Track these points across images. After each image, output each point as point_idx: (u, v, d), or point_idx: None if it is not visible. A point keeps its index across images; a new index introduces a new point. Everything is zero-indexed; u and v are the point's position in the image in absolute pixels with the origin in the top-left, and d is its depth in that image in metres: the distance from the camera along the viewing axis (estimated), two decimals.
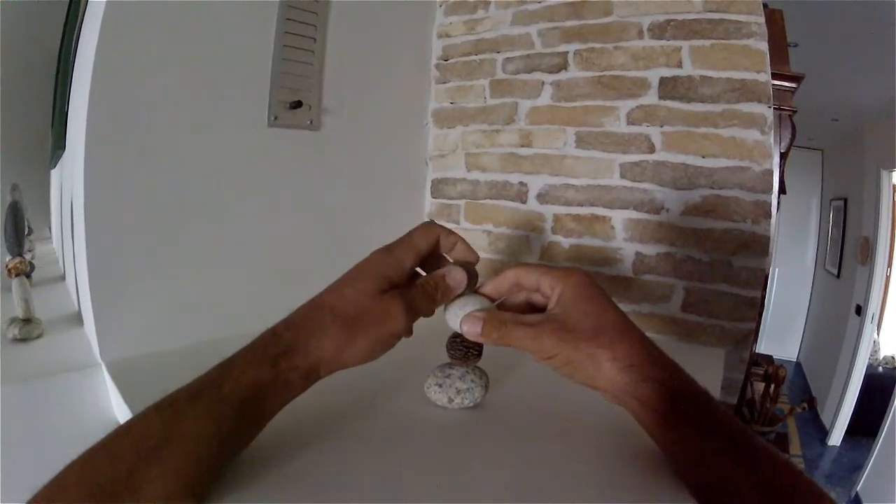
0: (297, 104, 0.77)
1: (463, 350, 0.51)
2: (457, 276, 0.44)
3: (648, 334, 0.43)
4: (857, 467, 3.16)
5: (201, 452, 0.34)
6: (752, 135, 0.82)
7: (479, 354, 0.52)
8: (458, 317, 0.44)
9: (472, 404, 0.52)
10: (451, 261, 0.47)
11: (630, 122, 0.90)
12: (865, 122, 3.90)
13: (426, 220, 1.11)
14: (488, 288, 0.46)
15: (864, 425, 3.40)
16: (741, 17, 0.82)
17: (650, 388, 0.39)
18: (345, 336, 0.39)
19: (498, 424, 0.51)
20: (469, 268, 0.46)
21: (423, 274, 0.46)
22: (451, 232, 0.46)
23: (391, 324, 0.40)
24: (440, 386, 0.52)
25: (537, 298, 0.46)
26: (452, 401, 0.51)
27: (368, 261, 0.42)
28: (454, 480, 0.41)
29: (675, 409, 0.39)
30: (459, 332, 0.44)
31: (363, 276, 0.41)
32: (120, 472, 0.31)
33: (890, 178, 3.65)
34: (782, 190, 1.21)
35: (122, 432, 0.34)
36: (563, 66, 0.95)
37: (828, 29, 2.34)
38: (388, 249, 0.43)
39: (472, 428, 0.50)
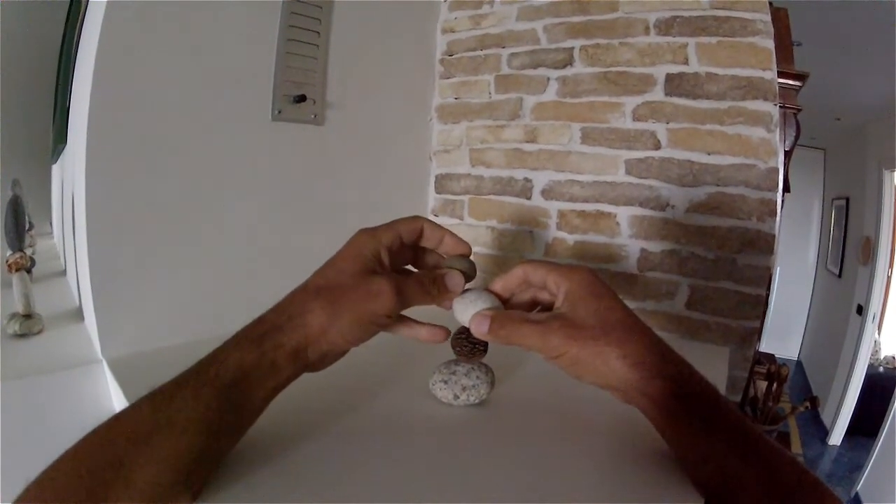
0: (301, 98, 0.77)
1: (469, 346, 0.50)
2: (456, 280, 0.44)
3: None
4: (858, 467, 3.17)
5: (191, 439, 0.33)
6: (758, 132, 0.81)
7: (485, 350, 0.51)
8: (467, 312, 0.44)
9: (477, 401, 0.52)
10: (443, 256, 0.47)
11: (636, 119, 0.89)
12: (868, 121, 3.89)
13: (430, 215, 1.11)
14: (497, 285, 0.46)
15: (865, 425, 3.40)
16: (747, 15, 0.81)
17: (660, 385, 0.39)
18: (328, 313, 0.38)
19: (503, 421, 0.51)
20: (468, 260, 0.46)
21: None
22: (437, 226, 0.46)
23: (375, 303, 0.40)
24: (445, 382, 0.51)
25: (544, 296, 0.45)
26: (458, 397, 0.51)
27: (352, 242, 0.42)
28: (458, 478, 0.41)
29: (685, 406, 0.39)
30: (468, 326, 0.44)
31: (346, 257, 0.41)
32: (110, 459, 0.31)
33: (892, 178, 3.64)
34: (786, 188, 1.20)
35: (114, 420, 0.33)
36: (569, 62, 0.94)
37: (830, 28, 2.33)
38: (371, 231, 0.43)
39: (477, 425, 0.49)
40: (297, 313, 0.38)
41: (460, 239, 0.46)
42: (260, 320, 0.39)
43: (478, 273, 0.47)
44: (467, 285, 0.46)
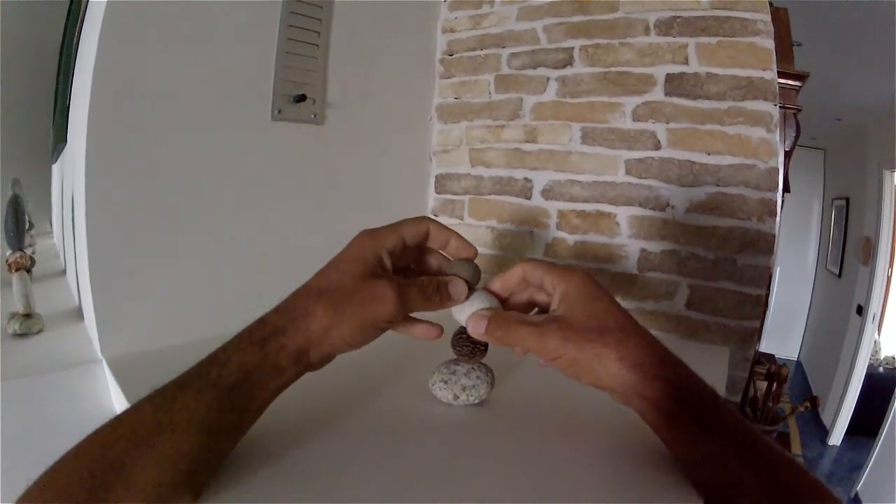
0: (301, 98, 0.77)
1: (469, 346, 0.50)
2: (459, 289, 0.44)
3: (652, 332, 0.42)
4: (857, 467, 3.17)
5: (193, 440, 0.33)
6: (758, 132, 0.81)
7: (485, 351, 0.51)
8: (465, 312, 0.44)
9: (477, 401, 0.52)
10: (449, 258, 0.46)
11: (636, 119, 0.89)
12: (868, 121, 3.89)
13: (430, 215, 1.11)
14: (496, 285, 0.46)
15: (865, 425, 3.40)
16: (747, 15, 0.81)
17: (658, 388, 0.39)
18: (330, 316, 0.38)
19: (503, 421, 0.51)
20: (473, 265, 0.45)
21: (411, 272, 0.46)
22: (444, 227, 0.45)
23: (377, 307, 0.39)
24: (445, 382, 0.51)
25: (541, 297, 0.45)
26: (457, 397, 0.51)
27: (354, 244, 0.42)
28: (458, 478, 0.41)
29: (682, 408, 0.39)
30: (465, 325, 0.44)
31: (349, 259, 0.41)
32: (112, 461, 0.31)
33: (892, 178, 3.64)
34: (786, 188, 1.20)
35: (115, 422, 0.33)
36: (569, 62, 0.94)
37: (831, 28, 2.33)
38: (373, 232, 0.43)
39: (476, 425, 0.50)
40: (299, 316, 0.38)
41: (467, 241, 0.46)
42: (262, 322, 0.39)
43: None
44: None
